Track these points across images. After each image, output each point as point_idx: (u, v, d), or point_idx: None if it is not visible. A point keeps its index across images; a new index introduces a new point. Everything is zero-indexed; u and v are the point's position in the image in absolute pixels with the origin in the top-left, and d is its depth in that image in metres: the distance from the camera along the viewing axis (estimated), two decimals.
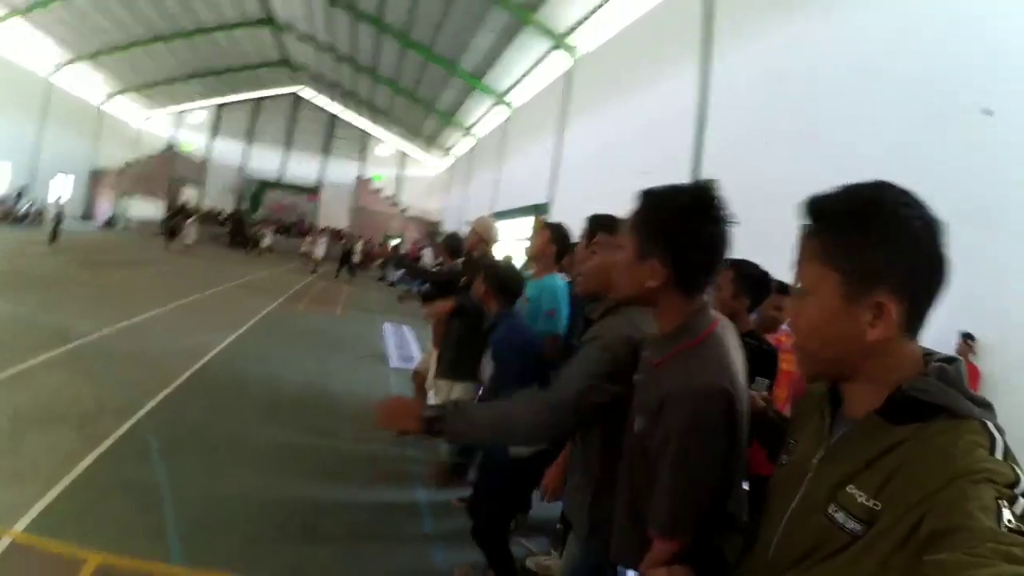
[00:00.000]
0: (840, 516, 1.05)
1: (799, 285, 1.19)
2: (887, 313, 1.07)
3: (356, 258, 25.81)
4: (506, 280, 3.73)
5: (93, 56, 28.82)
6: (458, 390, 4.96)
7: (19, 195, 26.46)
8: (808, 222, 1.16)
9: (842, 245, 1.10)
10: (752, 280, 3.13)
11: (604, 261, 2.24)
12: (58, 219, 21.47)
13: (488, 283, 3.73)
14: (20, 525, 3.58)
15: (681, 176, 9.81)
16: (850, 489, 1.06)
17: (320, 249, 26.60)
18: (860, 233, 1.08)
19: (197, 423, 5.87)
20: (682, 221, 1.57)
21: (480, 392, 3.92)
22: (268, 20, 28.93)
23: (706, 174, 9.58)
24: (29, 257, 16.51)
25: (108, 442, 5.02)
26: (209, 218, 36.00)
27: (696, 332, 1.63)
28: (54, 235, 20.74)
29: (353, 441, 6.09)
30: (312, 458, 5.51)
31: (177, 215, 32.13)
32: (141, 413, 5.78)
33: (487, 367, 3.58)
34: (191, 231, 26.27)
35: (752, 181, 8.41)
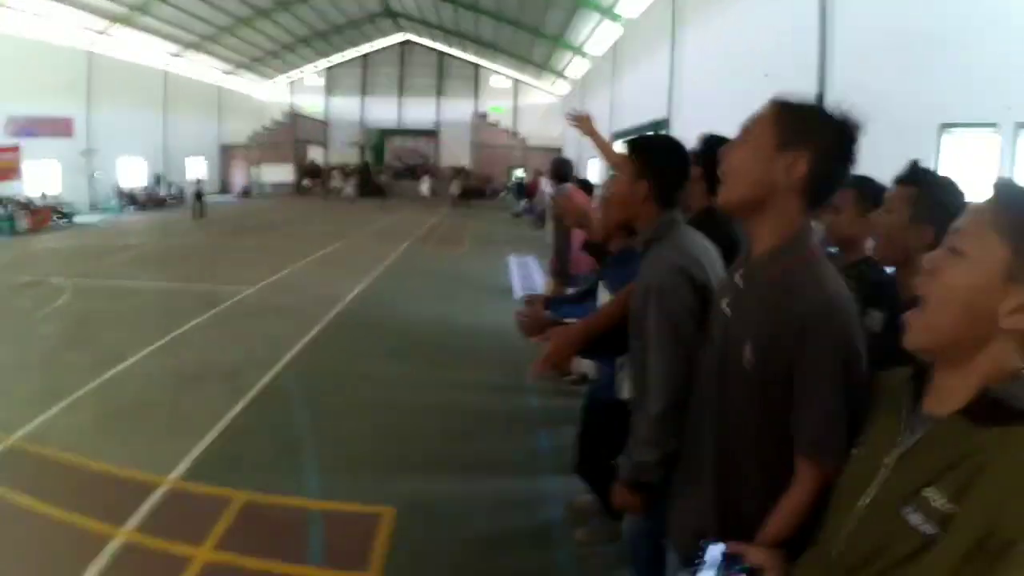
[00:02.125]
0: (914, 518, 1.02)
1: (955, 246, 1.10)
2: None
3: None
4: None
5: (201, 43, 30.28)
6: None
7: (157, 181, 28.74)
8: (997, 198, 1.09)
9: None
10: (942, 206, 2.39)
11: (620, 187, 2.16)
12: (199, 196, 23.44)
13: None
14: (175, 473, 4.06)
15: (808, 80, 9.08)
16: (927, 491, 1.02)
17: (425, 187, 30.58)
18: None
19: (333, 368, 6.31)
20: (837, 125, 1.45)
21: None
22: None
23: (834, 78, 8.77)
24: (176, 234, 18.09)
25: (253, 392, 5.52)
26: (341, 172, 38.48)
27: (808, 245, 1.51)
28: (200, 211, 22.73)
29: (476, 376, 6.27)
30: (437, 393, 5.74)
31: (313, 175, 34.28)
32: (282, 363, 6.28)
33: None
34: (348, 187, 33.42)
35: (882, 85, 7.63)
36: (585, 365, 5.13)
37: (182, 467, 4.13)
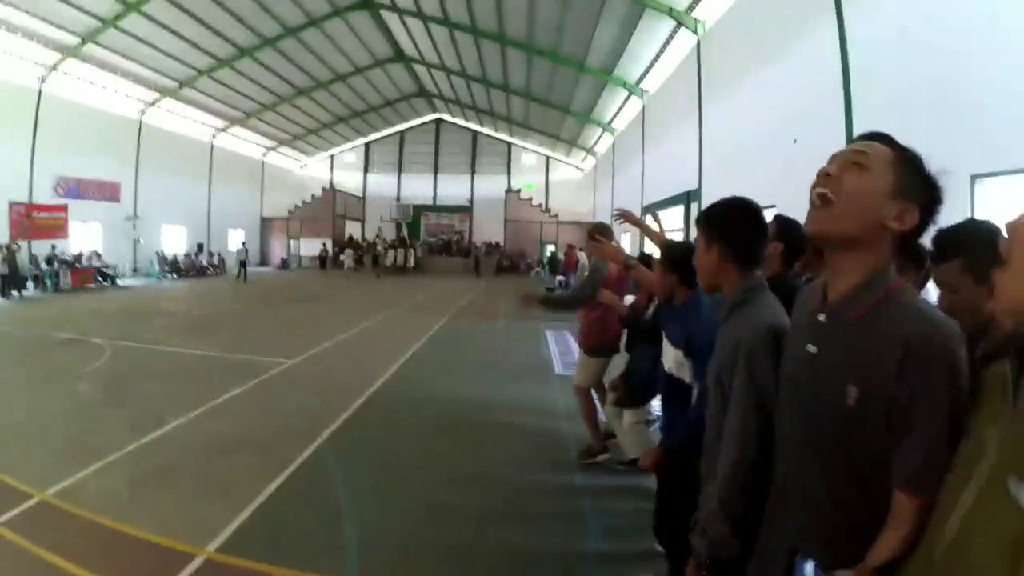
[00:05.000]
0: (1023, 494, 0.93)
1: None
2: None
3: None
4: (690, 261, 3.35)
5: (245, 119, 31.92)
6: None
7: (199, 250, 29.84)
8: None
9: None
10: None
11: (698, 259, 2.23)
12: (243, 262, 25.46)
13: (672, 267, 3.32)
14: (213, 545, 3.98)
15: (836, 141, 9.08)
16: None
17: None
18: None
19: (373, 446, 6.21)
20: (936, 190, 1.50)
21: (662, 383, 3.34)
22: (398, 57, 30.52)
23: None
24: (216, 303, 18.48)
25: (292, 466, 5.45)
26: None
27: (891, 279, 1.51)
28: (243, 275, 24.60)
29: (515, 454, 6.12)
30: (477, 473, 5.59)
31: (360, 249, 35.39)
32: (322, 438, 6.22)
33: (672, 357, 3.13)
34: (347, 259, 34.15)
35: (910, 138, 7.59)
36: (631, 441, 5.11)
37: (219, 539, 4.05)
